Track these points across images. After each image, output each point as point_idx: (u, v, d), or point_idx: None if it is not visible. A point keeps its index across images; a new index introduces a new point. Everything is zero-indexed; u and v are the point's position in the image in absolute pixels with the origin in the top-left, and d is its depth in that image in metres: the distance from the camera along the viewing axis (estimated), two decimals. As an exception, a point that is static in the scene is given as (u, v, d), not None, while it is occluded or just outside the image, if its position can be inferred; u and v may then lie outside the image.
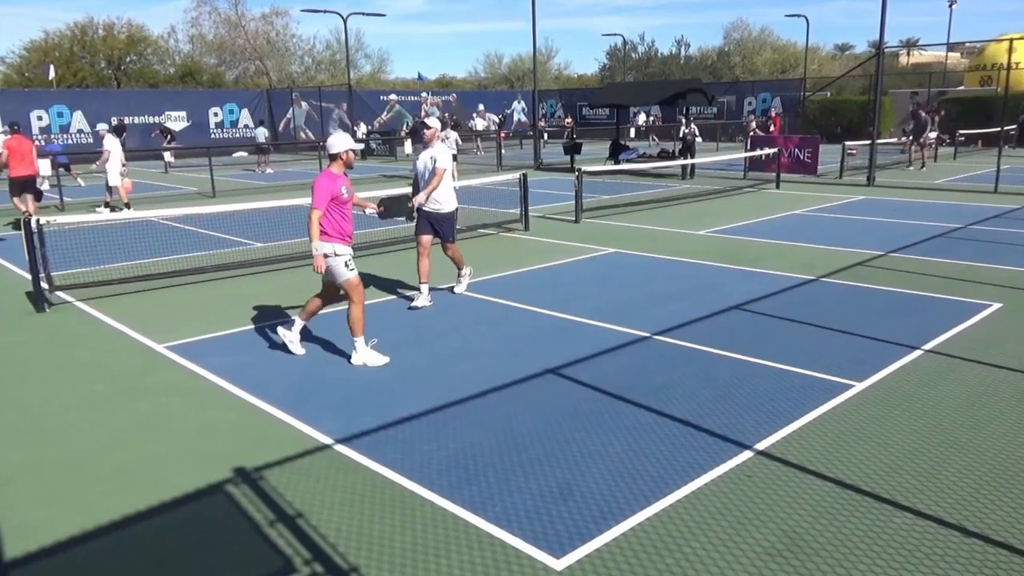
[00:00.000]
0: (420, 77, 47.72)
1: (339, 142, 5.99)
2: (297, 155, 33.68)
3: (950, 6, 49.38)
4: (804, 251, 10.35)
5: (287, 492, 4.04)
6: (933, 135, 23.14)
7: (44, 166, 18.20)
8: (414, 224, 7.92)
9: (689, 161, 20.21)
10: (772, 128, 26.70)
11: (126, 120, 30.22)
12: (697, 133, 21.54)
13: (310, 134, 35.68)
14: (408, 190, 8.50)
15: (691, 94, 22.14)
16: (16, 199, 13.32)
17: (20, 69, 43.30)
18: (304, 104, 37.03)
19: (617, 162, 22.51)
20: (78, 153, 26.02)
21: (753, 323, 7.01)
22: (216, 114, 35.17)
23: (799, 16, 55.55)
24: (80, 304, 8.16)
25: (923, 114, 22.82)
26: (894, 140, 25.04)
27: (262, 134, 26.79)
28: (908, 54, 62.13)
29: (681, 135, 21.34)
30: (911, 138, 22.87)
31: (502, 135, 30.47)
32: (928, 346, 6.19)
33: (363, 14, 48.42)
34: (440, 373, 5.83)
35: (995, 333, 6.57)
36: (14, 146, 13.13)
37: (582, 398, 5.27)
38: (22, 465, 4.48)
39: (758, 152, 19.62)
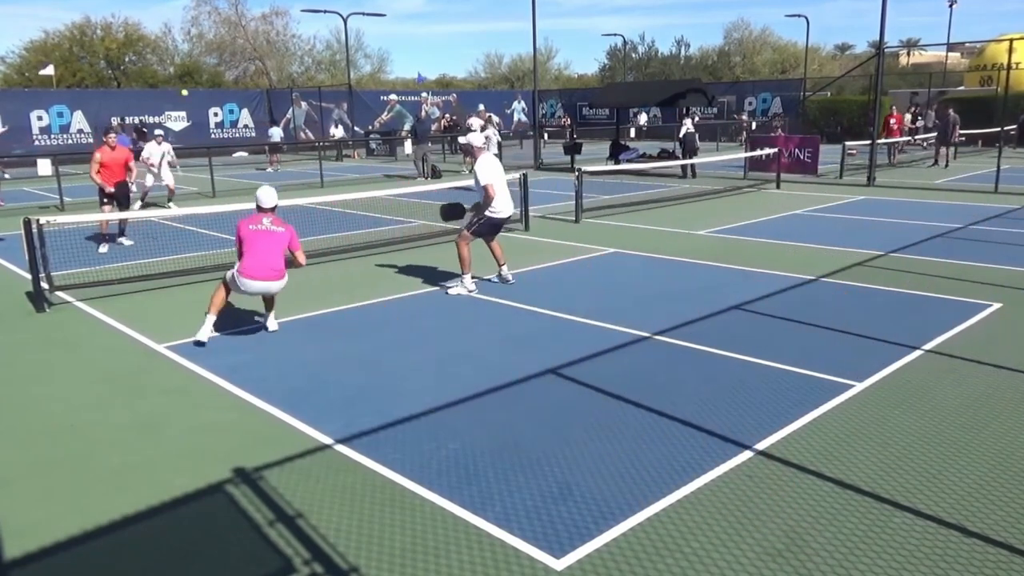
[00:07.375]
0: (420, 78, 47.72)
1: None
2: (297, 155, 33.72)
3: (950, 6, 49.27)
4: (804, 251, 10.35)
5: (287, 492, 4.04)
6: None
7: (44, 166, 18.11)
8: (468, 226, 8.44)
9: (689, 161, 20.20)
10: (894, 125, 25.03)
11: (126, 120, 30.17)
12: (693, 129, 21.39)
13: (310, 134, 35.66)
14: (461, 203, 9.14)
15: (691, 94, 22.13)
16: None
17: (20, 69, 43.29)
18: (304, 104, 37.01)
19: (617, 162, 22.51)
20: (78, 153, 25.98)
21: (753, 323, 7.01)
22: (216, 114, 35.14)
23: (799, 16, 55.81)
24: (80, 304, 8.16)
25: (951, 113, 22.86)
26: (913, 137, 24.97)
27: (277, 134, 28.69)
28: (908, 54, 62.21)
29: (681, 135, 21.27)
30: (937, 136, 23.10)
31: None
32: (928, 346, 6.19)
33: (363, 14, 48.58)
34: (440, 373, 5.83)
35: (995, 333, 6.57)
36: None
37: (582, 398, 5.27)
38: (22, 465, 4.48)
39: (758, 152, 19.62)
